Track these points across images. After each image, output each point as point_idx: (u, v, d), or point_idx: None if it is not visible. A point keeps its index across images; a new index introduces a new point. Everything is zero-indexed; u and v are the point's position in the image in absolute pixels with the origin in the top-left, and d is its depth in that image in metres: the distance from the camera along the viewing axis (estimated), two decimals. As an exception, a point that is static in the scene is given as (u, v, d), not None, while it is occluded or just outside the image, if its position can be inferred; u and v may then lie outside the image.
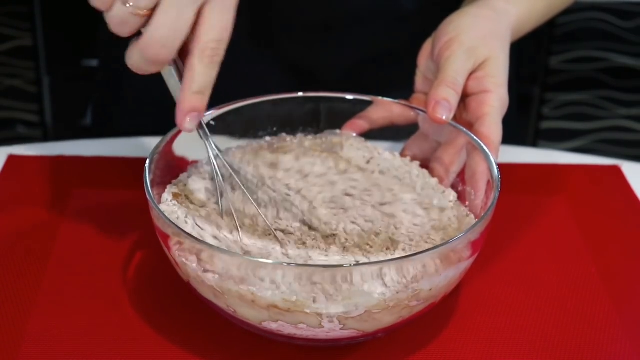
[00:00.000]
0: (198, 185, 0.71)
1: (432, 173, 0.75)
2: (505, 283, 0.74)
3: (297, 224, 0.68)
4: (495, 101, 0.74)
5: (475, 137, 0.71)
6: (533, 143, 1.89)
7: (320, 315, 0.60)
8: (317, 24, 0.94)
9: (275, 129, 0.80)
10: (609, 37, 1.82)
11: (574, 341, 0.68)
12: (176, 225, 0.62)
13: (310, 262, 0.63)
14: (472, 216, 0.70)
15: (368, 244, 0.66)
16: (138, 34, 0.63)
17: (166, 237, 0.64)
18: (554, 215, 0.83)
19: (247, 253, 0.64)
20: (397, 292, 0.60)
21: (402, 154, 0.78)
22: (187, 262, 0.62)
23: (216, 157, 0.69)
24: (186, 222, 0.67)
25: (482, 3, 0.80)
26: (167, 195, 0.70)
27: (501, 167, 0.69)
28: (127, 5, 0.60)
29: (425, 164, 0.77)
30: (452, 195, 0.73)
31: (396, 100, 0.78)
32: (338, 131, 0.79)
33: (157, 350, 0.66)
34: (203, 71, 0.63)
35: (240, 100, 0.77)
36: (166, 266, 0.67)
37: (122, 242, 0.77)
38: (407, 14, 0.95)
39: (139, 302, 0.71)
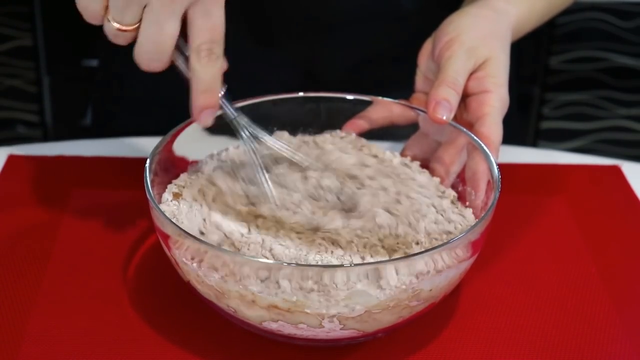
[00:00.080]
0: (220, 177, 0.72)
1: (432, 173, 0.75)
2: (505, 283, 0.74)
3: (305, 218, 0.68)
4: (495, 101, 0.74)
5: (475, 137, 0.72)
6: (533, 143, 1.89)
7: (320, 315, 0.60)
8: (317, 24, 0.94)
9: (275, 129, 0.79)
10: (609, 37, 1.82)
11: (574, 341, 0.68)
12: (176, 225, 0.62)
13: (310, 262, 0.63)
14: (472, 216, 0.70)
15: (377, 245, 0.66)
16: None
17: (166, 237, 0.64)
18: (554, 215, 0.83)
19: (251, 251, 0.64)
20: (397, 292, 0.60)
21: (402, 154, 0.78)
22: (187, 262, 0.62)
23: (249, 137, 0.70)
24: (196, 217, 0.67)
25: (482, 3, 0.80)
26: (167, 195, 0.70)
27: (501, 167, 0.69)
28: (113, 23, 0.64)
29: (425, 164, 0.77)
30: (452, 195, 0.73)
31: (396, 100, 0.78)
32: (338, 131, 0.79)
33: (157, 350, 0.66)
34: (204, 70, 0.65)
35: (240, 100, 0.77)
36: (166, 266, 0.67)
37: (122, 242, 0.77)
38: (407, 13, 0.95)
39: (139, 302, 0.71)
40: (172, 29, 0.64)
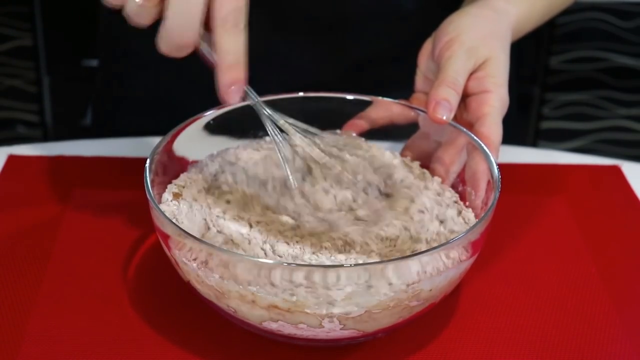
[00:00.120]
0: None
1: (432, 173, 0.75)
2: (505, 283, 0.74)
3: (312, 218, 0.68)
4: (495, 101, 0.74)
5: (475, 137, 0.71)
6: (533, 143, 1.89)
7: (320, 315, 0.60)
8: (317, 24, 0.94)
9: (275, 128, 0.79)
10: (609, 37, 1.82)
11: (574, 341, 0.68)
12: (176, 225, 0.62)
13: (310, 262, 0.63)
14: (472, 216, 0.70)
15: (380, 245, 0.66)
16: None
17: (166, 237, 0.64)
18: (554, 215, 0.83)
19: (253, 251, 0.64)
20: (397, 292, 0.60)
21: (402, 154, 0.78)
22: (187, 262, 0.62)
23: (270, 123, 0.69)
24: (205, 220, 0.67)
25: (482, 3, 0.80)
26: (167, 195, 0.70)
27: (501, 167, 0.69)
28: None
29: (425, 164, 0.77)
30: (452, 195, 0.73)
31: (396, 100, 0.78)
32: (338, 131, 0.79)
33: (157, 350, 0.66)
34: (230, 41, 0.64)
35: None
36: (166, 266, 0.67)
37: (122, 242, 0.77)
38: (407, 14, 0.95)
39: (139, 302, 0.71)
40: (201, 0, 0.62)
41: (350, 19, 0.94)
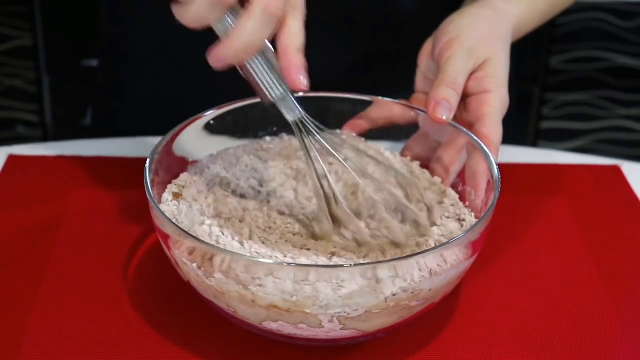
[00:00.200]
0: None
1: (432, 173, 0.75)
2: (505, 283, 0.74)
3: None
4: (495, 101, 0.74)
5: (475, 137, 0.72)
6: (533, 143, 1.89)
7: (320, 315, 0.60)
8: (317, 24, 0.94)
9: (275, 129, 0.80)
10: (609, 37, 1.82)
11: (574, 341, 0.68)
12: (176, 225, 0.62)
13: (310, 262, 0.63)
14: (472, 216, 0.70)
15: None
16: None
17: (166, 237, 0.64)
18: (554, 215, 0.83)
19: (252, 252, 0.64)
20: (397, 292, 0.60)
21: (402, 154, 0.78)
22: (187, 262, 0.62)
23: (303, 122, 0.68)
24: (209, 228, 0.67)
25: (483, 3, 0.80)
26: (167, 195, 0.70)
27: (501, 167, 0.69)
28: None
29: (425, 164, 0.77)
30: (452, 195, 0.73)
31: (396, 100, 0.78)
32: (338, 131, 0.79)
33: (157, 350, 0.66)
34: (300, 29, 0.64)
35: (240, 100, 0.77)
36: (166, 266, 0.67)
37: (122, 242, 0.77)
38: (408, 13, 0.95)
39: (139, 302, 0.71)
40: None
41: (350, 19, 0.94)
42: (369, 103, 0.79)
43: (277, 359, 0.66)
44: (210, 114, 0.75)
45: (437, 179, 0.74)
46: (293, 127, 0.67)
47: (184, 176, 0.73)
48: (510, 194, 0.76)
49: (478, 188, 0.71)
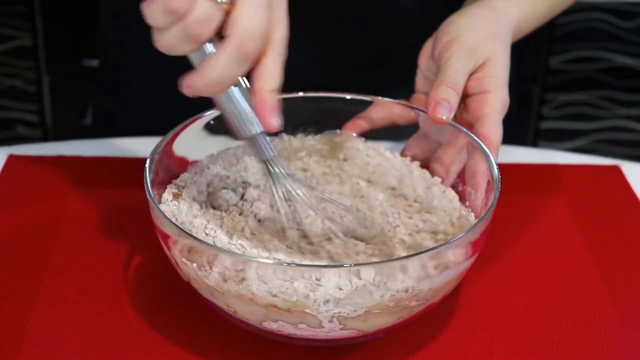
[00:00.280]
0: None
1: (432, 173, 0.75)
2: (505, 283, 0.74)
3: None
4: (495, 102, 0.74)
5: (475, 137, 0.71)
6: (533, 143, 1.89)
7: (320, 315, 0.60)
8: (318, 24, 0.94)
9: (275, 129, 0.79)
10: (609, 37, 1.82)
11: (574, 341, 0.68)
12: (176, 225, 0.62)
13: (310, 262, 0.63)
14: (472, 216, 0.70)
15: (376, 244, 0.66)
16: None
17: (166, 237, 0.64)
18: (554, 215, 0.83)
19: (251, 252, 0.64)
20: (397, 292, 0.60)
21: (402, 154, 0.78)
22: (187, 262, 0.62)
23: (272, 163, 0.66)
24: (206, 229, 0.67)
25: (483, 3, 0.80)
26: (167, 195, 0.70)
27: (501, 167, 0.69)
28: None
29: (425, 164, 0.77)
30: (452, 195, 0.73)
31: (396, 100, 0.78)
32: (338, 131, 0.79)
33: (157, 350, 0.66)
34: (276, 69, 0.62)
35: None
36: (166, 266, 0.67)
37: (122, 242, 0.77)
38: (409, 13, 0.95)
39: (139, 302, 0.71)
40: (267, 7, 0.60)
41: (351, 18, 0.94)
42: (369, 103, 0.79)
43: (277, 359, 0.66)
44: (210, 114, 0.75)
45: (437, 179, 0.74)
46: (262, 165, 0.67)
47: (184, 176, 0.73)
48: (510, 194, 0.76)
49: (478, 188, 0.71)
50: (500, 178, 0.67)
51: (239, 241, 0.65)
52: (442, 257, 0.61)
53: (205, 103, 0.75)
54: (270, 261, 0.62)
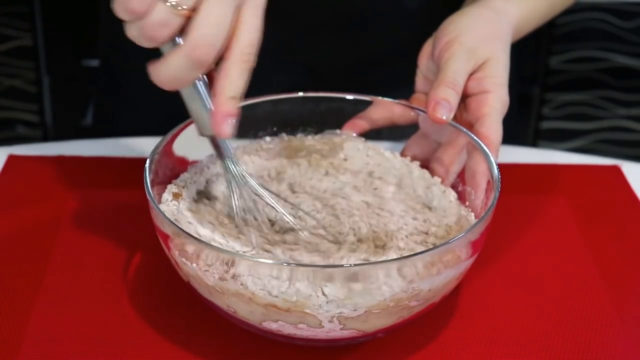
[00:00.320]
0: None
1: (432, 173, 0.75)
2: (505, 283, 0.74)
3: (306, 232, 0.68)
4: (495, 102, 0.74)
5: (475, 137, 0.72)
6: (533, 143, 1.89)
7: (320, 315, 0.60)
8: (318, 24, 0.94)
9: (275, 129, 0.80)
10: (609, 37, 1.82)
11: (574, 341, 0.68)
12: (176, 225, 0.62)
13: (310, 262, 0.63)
14: (472, 216, 0.70)
15: (371, 244, 0.66)
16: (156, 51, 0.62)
17: (166, 237, 0.64)
18: (554, 215, 0.83)
19: (251, 252, 0.64)
20: (397, 292, 0.60)
21: (402, 154, 0.78)
22: (187, 262, 0.62)
23: (230, 162, 0.67)
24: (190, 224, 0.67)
25: (483, 3, 0.80)
26: (167, 195, 0.70)
27: (501, 167, 0.69)
28: (169, 4, 0.58)
29: (425, 164, 0.77)
30: (452, 195, 0.73)
31: (396, 100, 0.78)
32: (338, 131, 0.79)
33: (157, 350, 0.66)
34: (239, 76, 0.62)
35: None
36: (166, 266, 0.67)
37: (122, 242, 0.77)
38: (409, 13, 0.95)
39: (139, 302, 0.71)
40: (231, 14, 0.59)
41: (351, 18, 0.94)
42: (369, 103, 0.79)
43: (277, 359, 0.66)
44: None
45: (437, 179, 0.74)
46: (221, 163, 0.67)
47: (184, 176, 0.73)
48: (510, 194, 0.76)
49: (478, 188, 0.71)
50: (500, 178, 0.67)
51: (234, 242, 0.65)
52: (441, 257, 0.61)
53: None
54: (271, 261, 0.62)
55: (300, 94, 0.79)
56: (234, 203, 0.67)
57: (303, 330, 0.61)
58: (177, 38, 0.60)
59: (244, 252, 0.65)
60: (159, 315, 0.70)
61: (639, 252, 0.79)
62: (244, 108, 0.77)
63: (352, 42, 0.95)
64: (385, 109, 0.78)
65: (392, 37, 0.96)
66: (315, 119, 0.80)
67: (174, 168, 0.73)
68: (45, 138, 1.93)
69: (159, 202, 0.69)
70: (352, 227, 0.68)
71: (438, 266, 0.61)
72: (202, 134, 0.65)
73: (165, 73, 0.60)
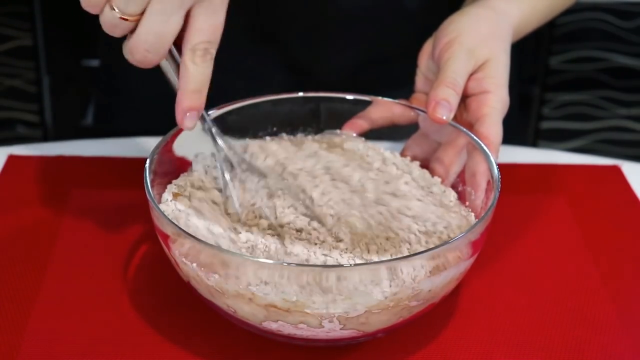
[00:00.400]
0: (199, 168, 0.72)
1: (432, 173, 0.75)
2: (505, 283, 0.74)
3: (304, 218, 0.67)
4: (495, 102, 0.74)
5: (475, 137, 0.72)
6: (533, 143, 1.89)
7: (320, 315, 0.60)
8: (318, 23, 0.94)
9: (275, 129, 0.80)
10: (609, 37, 1.82)
11: (573, 341, 0.68)
12: (176, 225, 0.62)
13: (310, 262, 0.63)
14: (472, 216, 0.70)
15: (370, 243, 0.66)
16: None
17: (166, 237, 0.64)
18: (554, 215, 0.83)
19: (249, 252, 0.64)
20: (397, 292, 0.60)
21: (402, 154, 0.78)
22: (187, 262, 0.62)
23: (221, 150, 0.69)
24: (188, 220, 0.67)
25: (483, 3, 0.80)
26: (167, 195, 0.70)
27: (501, 167, 0.69)
28: (115, 10, 0.62)
29: (425, 164, 0.77)
30: (452, 195, 0.73)
31: (396, 100, 0.78)
32: (338, 131, 0.79)
33: (157, 350, 0.66)
34: (196, 71, 0.64)
35: (240, 100, 0.77)
36: (166, 266, 0.67)
37: (122, 242, 0.77)
38: (409, 13, 0.95)
39: (139, 302, 0.71)
40: (177, 21, 0.63)
41: (351, 18, 0.94)
42: (369, 103, 0.79)
43: (277, 359, 0.66)
44: (210, 114, 0.75)
45: (437, 179, 0.74)
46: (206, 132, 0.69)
47: (184, 176, 0.73)
48: (510, 194, 0.76)
49: (478, 188, 0.71)
50: (500, 178, 0.67)
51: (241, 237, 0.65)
52: (441, 258, 0.61)
53: (205, 103, 0.75)
54: (271, 261, 0.62)
55: (300, 94, 0.79)
56: (232, 195, 0.67)
57: (303, 330, 0.61)
58: None
59: (243, 252, 0.64)
60: (159, 315, 0.70)
61: (639, 252, 0.79)
62: (244, 108, 0.77)
63: (352, 42, 0.95)
64: (385, 108, 0.78)
65: (392, 37, 0.96)
66: (316, 119, 0.80)
67: (174, 168, 0.73)
68: (45, 138, 1.93)
69: (159, 202, 0.69)
70: (351, 225, 0.68)
71: (438, 266, 0.61)
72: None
73: (125, 57, 0.65)
